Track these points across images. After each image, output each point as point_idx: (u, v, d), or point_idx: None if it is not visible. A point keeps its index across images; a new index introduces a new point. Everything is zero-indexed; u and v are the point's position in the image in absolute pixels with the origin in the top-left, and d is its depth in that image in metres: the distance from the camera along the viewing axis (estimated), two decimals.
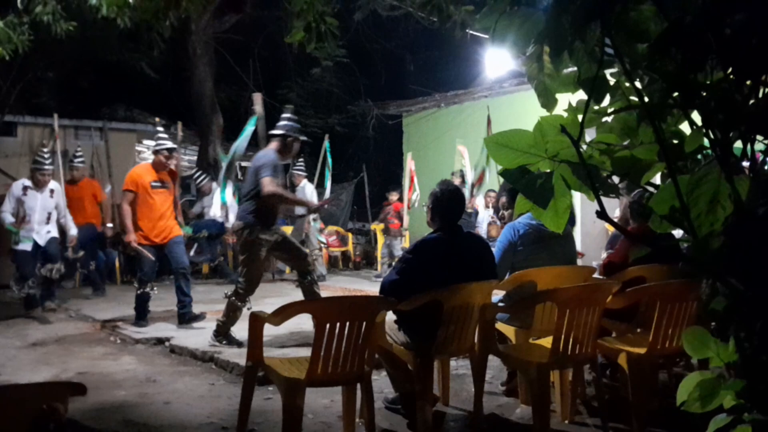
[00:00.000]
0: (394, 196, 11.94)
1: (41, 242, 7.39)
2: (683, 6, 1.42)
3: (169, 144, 6.93)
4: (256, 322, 3.53)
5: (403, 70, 18.41)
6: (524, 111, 9.50)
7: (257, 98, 8.56)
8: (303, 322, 5.55)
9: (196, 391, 4.61)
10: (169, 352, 5.77)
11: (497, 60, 9.79)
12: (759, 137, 1.39)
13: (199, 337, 5.99)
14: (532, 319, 4.11)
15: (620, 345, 3.77)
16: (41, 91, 14.49)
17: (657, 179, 1.65)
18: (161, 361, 5.48)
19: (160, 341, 6.04)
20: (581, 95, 1.60)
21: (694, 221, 1.39)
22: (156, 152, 6.85)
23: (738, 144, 1.41)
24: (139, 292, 6.66)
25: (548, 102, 1.71)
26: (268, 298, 8.20)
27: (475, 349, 3.81)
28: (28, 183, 7.41)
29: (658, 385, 4.18)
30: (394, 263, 10.88)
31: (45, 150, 7.84)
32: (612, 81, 1.66)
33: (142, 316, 6.66)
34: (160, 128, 7.28)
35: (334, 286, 10.07)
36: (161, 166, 6.80)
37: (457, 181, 11.77)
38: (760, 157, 1.42)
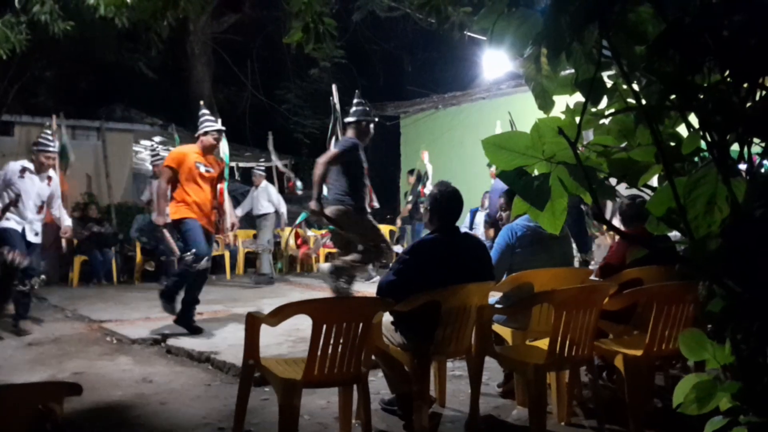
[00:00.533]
0: None
1: (29, 237, 6.47)
2: (681, 7, 1.42)
3: (219, 125, 6.47)
4: (253, 322, 3.52)
5: (401, 71, 18.44)
6: (522, 113, 9.53)
7: (335, 90, 8.88)
8: (300, 323, 5.56)
9: (192, 391, 4.60)
10: (166, 352, 5.76)
11: (495, 61, 9.78)
12: (756, 140, 1.39)
13: (195, 337, 5.99)
14: (529, 320, 4.12)
15: (617, 347, 3.78)
16: (39, 91, 14.50)
17: (654, 181, 1.65)
18: (158, 362, 5.47)
19: (156, 341, 6.03)
20: (579, 97, 1.60)
21: (691, 223, 1.39)
22: (205, 133, 6.32)
23: (735, 146, 1.41)
24: (190, 266, 6.00)
25: (546, 104, 1.71)
26: (266, 298, 8.22)
27: (472, 351, 3.81)
28: (28, 165, 6.57)
29: (654, 387, 4.18)
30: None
31: (48, 132, 7.07)
32: (609, 83, 1.66)
33: (171, 298, 6.17)
34: (206, 111, 6.74)
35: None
36: (210, 149, 6.35)
37: (411, 180, 11.96)
38: (756, 159, 1.42)
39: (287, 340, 5.73)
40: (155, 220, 6.37)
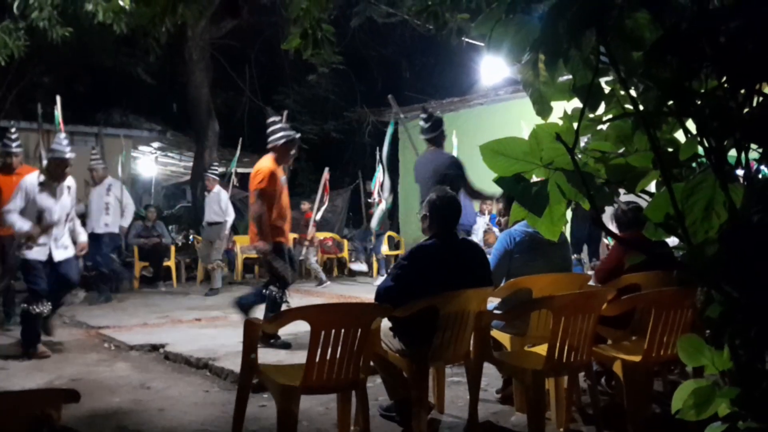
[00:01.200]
0: (305, 206, 11.91)
1: (57, 257, 5.83)
2: (678, 14, 1.42)
3: (295, 133, 6.05)
4: (252, 328, 3.52)
5: (399, 77, 18.47)
6: (519, 118, 9.55)
7: (392, 100, 8.67)
8: (298, 329, 5.55)
9: (190, 398, 4.59)
10: (164, 358, 5.75)
11: (493, 67, 9.81)
12: (753, 145, 1.39)
13: (193, 343, 5.98)
14: (527, 326, 4.11)
15: (615, 352, 3.77)
16: (37, 96, 14.51)
17: (652, 187, 1.65)
18: (155, 368, 5.46)
19: (154, 348, 6.02)
20: (576, 103, 1.60)
21: (689, 229, 1.39)
22: (285, 143, 5.87)
23: (732, 152, 1.41)
24: (279, 297, 5.82)
25: (543, 109, 1.71)
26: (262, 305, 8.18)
27: (471, 356, 3.81)
28: (43, 178, 5.90)
29: (653, 393, 4.18)
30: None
31: (63, 135, 6.33)
32: (607, 89, 1.67)
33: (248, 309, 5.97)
34: (276, 117, 6.33)
35: (330, 293, 10.06)
36: (287, 159, 5.98)
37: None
38: (754, 165, 1.42)
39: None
40: (258, 246, 5.77)
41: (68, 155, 5.93)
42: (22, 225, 5.66)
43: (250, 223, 5.95)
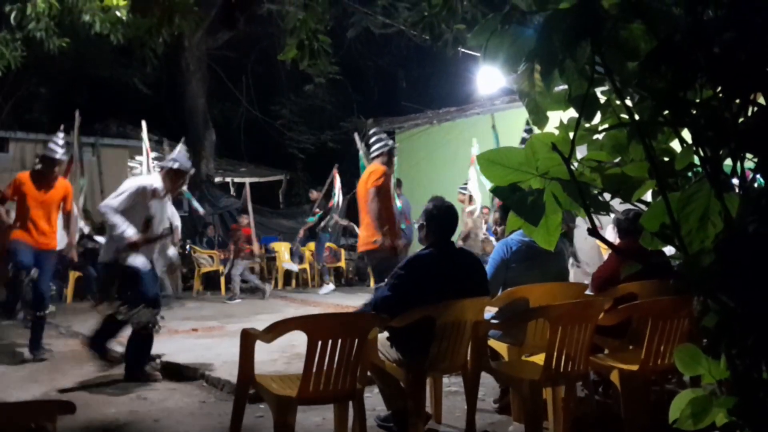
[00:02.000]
0: (244, 220, 12.01)
1: (158, 268, 5.42)
2: (673, 24, 1.43)
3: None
4: (248, 338, 3.51)
5: (396, 87, 18.53)
6: (515, 128, 9.58)
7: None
8: (295, 339, 5.53)
9: (186, 408, 4.57)
10: (160, 368, 5.72)
11: (489, 77, 9.84)
12: (748, 155, 1.40)
13: (189, 354, 5.95)
14: (524, 335, 4.11)
15: (612, 362, 3.77)
16: (34, 107, 14.52)
17: (648, 196, 1.66)
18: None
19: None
20: (572, 113, 1.60)
21: (685, 238, 1.39)
22: (389, 151, 6.13)
23: (728, 161, 1.42)
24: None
25: (539, 119, 1.72)
26: (260, 314, 8.19)
27: (468, 366, 3.80)
28: (158, 186, 5.31)
29: (650, 402, 4.17)
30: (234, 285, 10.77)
31: (184, 148, 5.95)
32: (603, 99, 1.67)
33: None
34: (376, 128, 6.55)
35: (327, 302, 10.05)
36: (390, 166, 6.16)
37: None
38: (749, 174, 1.43)
39: (282, 357, 5.71)
40: (379, 242, 5.76)
41: (192, 170, 5.75)
42: (127, 230, 5.03)
43: (363, 225, 6.09)
